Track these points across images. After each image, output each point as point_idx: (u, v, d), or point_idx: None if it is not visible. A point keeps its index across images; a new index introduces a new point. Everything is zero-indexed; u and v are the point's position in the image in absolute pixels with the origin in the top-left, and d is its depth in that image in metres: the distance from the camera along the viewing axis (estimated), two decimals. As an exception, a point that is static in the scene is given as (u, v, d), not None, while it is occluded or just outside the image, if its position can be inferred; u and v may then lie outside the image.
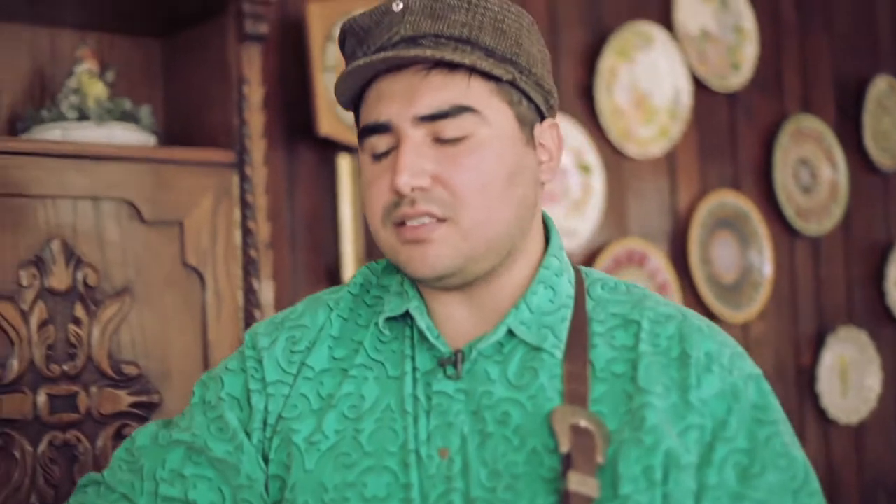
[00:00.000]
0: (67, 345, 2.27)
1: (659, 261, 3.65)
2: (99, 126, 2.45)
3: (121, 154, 2.36)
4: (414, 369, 1.54)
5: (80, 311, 2.28)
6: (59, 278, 2.26)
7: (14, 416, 2.19)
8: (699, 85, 3.87)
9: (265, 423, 1.58)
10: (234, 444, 1.58)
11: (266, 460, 1.58)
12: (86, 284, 2.29)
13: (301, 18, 3.03)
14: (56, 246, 2.27)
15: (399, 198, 1.47)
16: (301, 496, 1.52)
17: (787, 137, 4.08)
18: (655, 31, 3.72)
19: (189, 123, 2.70)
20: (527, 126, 1.52)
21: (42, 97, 2.64)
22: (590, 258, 3.56)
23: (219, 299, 2.44)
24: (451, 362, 1.51)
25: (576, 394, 1.46)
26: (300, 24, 3.03)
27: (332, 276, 3.05)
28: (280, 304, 2.83)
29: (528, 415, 1.46)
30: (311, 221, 3.06)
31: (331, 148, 3.06)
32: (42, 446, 2.22)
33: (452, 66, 1.46)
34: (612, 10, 3.73)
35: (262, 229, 2.50)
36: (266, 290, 2.49)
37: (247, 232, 2.49)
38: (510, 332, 1.52)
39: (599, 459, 1.41)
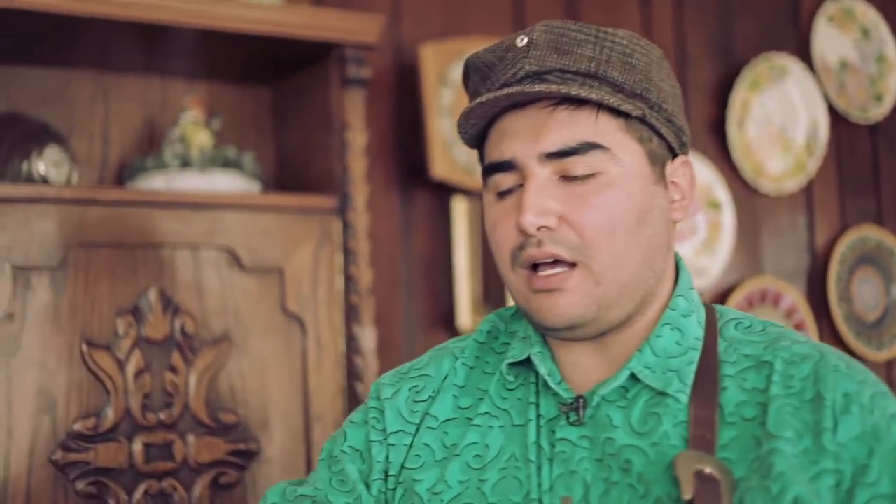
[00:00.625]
0: (164, 393, 2.28)
1: (795, 299, 3.52)
2: (202, 174, 2.47)
3: (220, 202, 2.38)
4: (538, 416, 1.49)
5: (177, 360, 2.29)
6: (156, 327, 2.28)
7: (110, 465, 2.21)
8: (837, 117, 3.73)
9: (386, 473, 1.55)
10: (353, 497, 1.55)
11: None
12: (183, 333, 2.30)
13: (415, 61, 3.01)
14: (153, 294, 2.28)
15: (525, 238, 1.42)
16: None
17: (934, 170, 3.91)
18: (790, 64, 3.61)
19: (296, 170, 2.70)
20: (657, 164, 1.46)
21: (151, 146, 2.67)
22: (720, 297, 3.46)
23: (319, 346, 2.43)
24: (574, 408, 1.45)
25: (702, 440, 1.38)
26: (414, 68, 3.01)
27: (447, 322, 3.01)
28: (392, 351, 2.83)
29: (651, 462, 1.40)
30: (426, 266, 3.03)
31: (445, 191, 3.03)
32: (137, 495, 2.23)
33: (579, 102, 1.41)
34: (744, 43, 3.63)
35: (365, 275, 2.48)
36: (368, 337, 2.46)
37: (348, 278, 2.47)
38: (634, 377, 1.45)
39: None
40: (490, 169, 1.47)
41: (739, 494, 1.34)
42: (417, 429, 1.55)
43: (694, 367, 1.44)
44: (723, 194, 3.48)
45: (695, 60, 3.54)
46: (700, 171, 3.43)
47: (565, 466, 1.44)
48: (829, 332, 3.63)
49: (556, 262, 1.41)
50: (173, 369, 2.29)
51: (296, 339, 2.42)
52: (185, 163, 2.49)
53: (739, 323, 1.51)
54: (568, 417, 1.46)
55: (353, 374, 2.45)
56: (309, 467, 2.39)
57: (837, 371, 1.39)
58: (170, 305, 2.30)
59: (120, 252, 2.27)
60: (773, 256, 3.61)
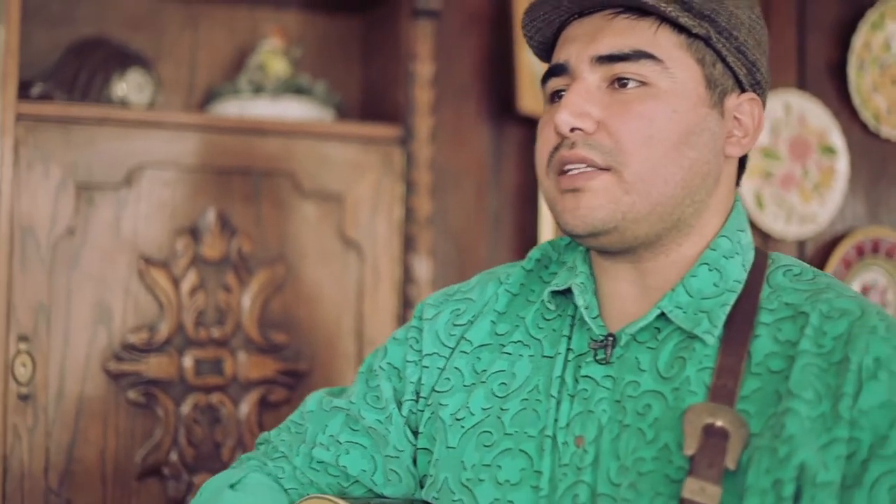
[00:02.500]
0: (217, 311, 2.36)
1: (911, 251, 3.41)
2: (273, 101, 2.53)
3: (284, 129, 2.44)
4: (568, 350, 1.45)
5: (231, 280, 2.37)
6: (213, 246, 2.36)
7: (160, 377, 2.32)
8: (973, 62, 3.57)
9: (418, 394, 1.56)
10: (385, 414, 1.56)
11: (416, 432, 1.57)
12: (239, 253, 2.38)
13: (510, -7, 3.01)
14: (212, 215, 2.36)
15: (561, 140, 1.39)
16: (442, 473, 1.49)
17: None
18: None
19: (375, 101, 2.74)
20: (716, 91, 1.41)
21: (238, 74, 2.74)
22: (828, 246, 3.36)
23: (376, 273, 2.48)
24: (603, 346, 1.42)
25: (723, 389, 1.33)
26: (507, 0, 3.01)
27: (531, 255, 3.02)
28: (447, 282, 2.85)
29: (669, 409, 1.34)
30: (514, 199, 3.04)
31: (535, 125, 3.01)
32: (186, 407, 2.32)
33: (642, 13, 1.39)
34: (874, -18, 3.50)
35: (424, 206, 2.51)
36: (423, 266, 2.50)
37: (409, 209, 2.51)
38: (666, 317, 1.40)
39: (730, 465, 1.28)
40: (547, 75, 1.46)
41: (749, 451, 1.29)
42: (452, 352, 1.55)
43: (727, 309, 1.38)
44: (838, 139, 3.37)
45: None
46: (816, 115, 3.33)
47: (584, 405, 1.40)
48: (948, 286, 3.50)
49: (588, 168, 1.37)
50: (227, 288, 2.37)
51: (353, 265, 2.48)
52: (259, 89, 2.55)
53: (789, 270, 1.44)
54: (595, 355, 1.42)
55: (407, 303, 2.49)
56: (361, 391, 2.44)
57: (874, 333, 1.31)
58: (227, 226, 2.38)
59: (182, 174, 2.36)
60: (893, 206, 3.49)
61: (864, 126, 3.43)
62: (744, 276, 1.42)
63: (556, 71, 1.43)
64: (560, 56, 1.43)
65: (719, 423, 1.29)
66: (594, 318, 1.45)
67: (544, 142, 1.42)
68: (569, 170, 1.38)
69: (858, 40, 3.40)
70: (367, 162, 2.49)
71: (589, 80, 1.39)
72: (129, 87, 2.51)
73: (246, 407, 2.37)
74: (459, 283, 1.66)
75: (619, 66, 1.38)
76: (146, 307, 2.32)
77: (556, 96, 1.44)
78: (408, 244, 2.51)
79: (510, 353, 1.50)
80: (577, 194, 1.38)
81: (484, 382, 1.50)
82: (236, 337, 2.37)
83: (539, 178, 1.45)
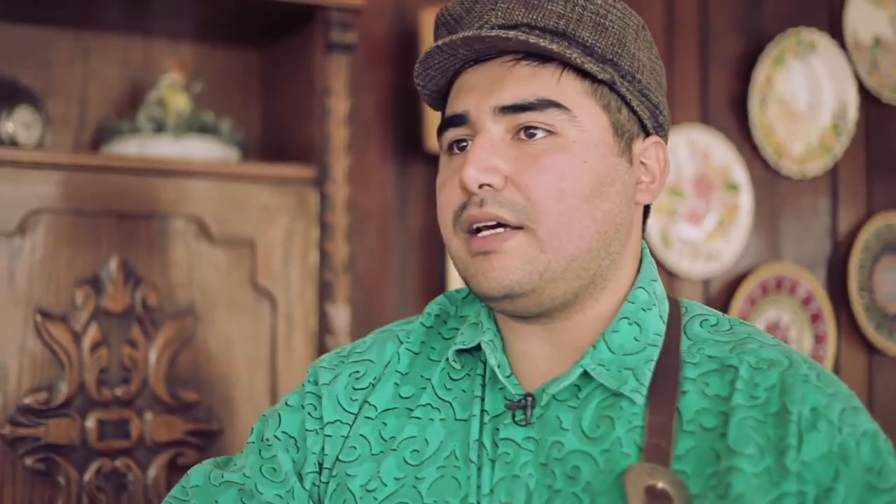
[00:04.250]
0: (122, 368, 2.19)
1: (812, 288, 3.37)
2: (176, 140, 2.37)
3: (190, 169, 2.27)
4: (482, 412, 1.38)
5: (136, 333, 2.20)
6: (116, 298, 2.18)
7: (61, 442, 2.13)
8: (868, 97, 3.56)
9: (321, 466, 1.45)
10: (286, 489, 1.45)
11: None
12: (145, 305, 2.21)
13: (415, 26, 2.89)
14: (114, 264, 2.19)
15: (468, 197, 1.31)
16: None
17: (970, 155, 3.73)
18: (819, 39, 3.44)
19: (281, 139, 2.60)
20: (623, 138, 1.36)
21: (132, 109, 2.57)
22: (733, 284, 3.31)
23: (290, 323, 2.33)
24: (521, 406, 1.35)
25: (657, 449, 1.27)
26: (414, 33, 2.89)
27: (439, 299, 2.89)
28: (373, 329, 2.72)
29: (600, 471, 1.29)
30: (421, 242, 2.92)
31: (442, 164, 2.90)
32: (89, 473, 2.14)
33: (543, 59, 1.32)
34: (772, 17, 3.47)
35: (340, 250, 2.37)
36: (341, 315, 2.36)
37: (324, 253, 2.37)
38: (587, 375, 1.34)
39: None
40: (444, 125, 1.37)
41: None
42: (355, 418, 1.45)
43: (652, 365, 1.33)
44: (741, 175, 3.33)
45: (718, 33, 3.39)
46: (720, 150, 3.29)
47: (508, 470, 1.33)
48: (848, 323, 3.47)
49: (500, 226, 1.31)
50: (132, 343, 2.19)
51: (265, 315, 2.32)
52: (160, 127, 2.39)
53: (706, 320, 1.39)
54: (514, 416, 1.35)
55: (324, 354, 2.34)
56: (275, 449, 2.29)
57: (807, 381, 1.28)
58: (131, 276, 2.20)
59: (80, 219, 2.17)
60: (793, 242, 3.45)
61: (764, 162, 3.40)
62: (662, 328, 1.37)
63: (455, 122, 1.35)
64: (458, 106, 1.35)
65: (661, 485, 1.24)
66: (508, 377, 1.37)
67: (448, 199, 1.35)
68: (478, 229, 1.31)
69: (760, 75, 3.37)
70: (278, 204, 2.34)
71: (493, 132, 1.32)
72: (17, 125, 2.32)
73: (154, 471, 2.19)
74: (359, 338, 1.57)
75: (525, 115, 1.31)
76: (44, 365, 2.13)
77: (455, 146, 1.37)
78: (323, 292, 2.36)
79: (419, 418, 1.42)
80: (489, 256, 1.31)
81: (394, 450, 1.40)
82: (142, 396, 2.20)
83: (445, 237, 1.37)
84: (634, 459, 1.28)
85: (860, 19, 3.57)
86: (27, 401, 2.11)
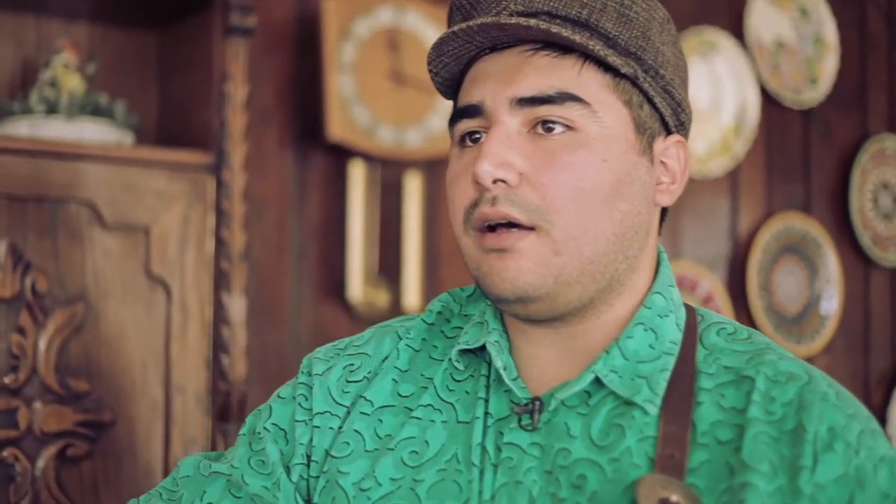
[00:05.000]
0: (10, 356, 2.11)
1: (712, 287, 3.38)
2: (69, 122, 2.29)
3: (82, 152, 2.20)
4: (486, 415, 1.33)
5: (25, 320, 2.12)
6: (4, 284, 2.10)
7: (-57, 431, 2.04)
8: (769, 99, 3.58)
9: (309, 458, 1.40)
10: (272, 480, 1.40)
11: (308, 501, 1.40)
12: (34, 291, 2.13)
13: (317, 13, 2.84)
14: (2, 248, 2.11)
15: (480, 194, 1.26)
16: None
17: (867, 158, 3.77)
18: (721, 39, 3.46)
19: (178, 123, 2.54)
20: (645, 135, 1.30)
21: (25, 90, 2.49)
22: (634, 281, 3.31)
23: (185, 313, 2.27)
24: (528, 411, 1.30)
25: (670, 461, 1.22)
26: (316, 20, 2.84)
27: (338, 293, 2.85)
28: (278, 320, 2.68)
29: (608, 481, 1.24)
30: (318, 233, 2.87)
31: (343, 154, 2.86)
32: (-27, 465, 2.06)
33: (563, 50, 1.27)
34: (675, 14, 3.44)
35: (238, 239, 2.31)
36: (237, 306, 2.30)
37: (220, 242, 2.30)
38: (598, 381, 1.29)
39: None
40: (456, 116, 1.32)
41: None
42: (348, 412, 1.40)
43: (667, 374, 1.28)
44: (643, 173, 3.33)
45: (621, 31, 3.38)
46: (620, 147, 3.29)
47: (511, 475, 1.28)
48: (748, 323, 3.47)
49: (512, 226, 1.26)
50: (21, 330, 2.11)
51: (159, 304, 2.25)
52: (52, 109, 2.31)
53: (723, 328, 1.34)
54: (520, 420, 1.30)
55: (219, 345, 2.28)
56: (168, 441, 2.23)
57: (825, 399, 1.23)
58: (21, 261, 2.12)
59: (-31, 201, 2.10)
60: (693, 242, 3.46)
61: (666, 160, 3.40)
62: (679, 336, 1.32)
63: (469, 112, 1.30)
64: (473, 96, 1.30)
65: (674, 498, 1.18)
66: (514, 380, 1.32)
67: (461, 195, 1.30)
68: (491, 226, 1.27)
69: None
70: (174, 191, 2.27)
71: (509, 125, 1.27)
72: None
73: (42, 462, 2.11)
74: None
75: (544, 109, 1.26)
76: (-74, 352, 2.05)
77: (467, 138, 1.31)
78: (219, 281, 2.30)
79: (420, 419, 1.37)
80: (504, 255, 1.26)
81: (391, 449, 1.36)
82: (31, 385, 2.12)
83: (457, 234, 1.32)
84: (644, 470, 1.24)
85: (762, 21, 3.59)
86: None
